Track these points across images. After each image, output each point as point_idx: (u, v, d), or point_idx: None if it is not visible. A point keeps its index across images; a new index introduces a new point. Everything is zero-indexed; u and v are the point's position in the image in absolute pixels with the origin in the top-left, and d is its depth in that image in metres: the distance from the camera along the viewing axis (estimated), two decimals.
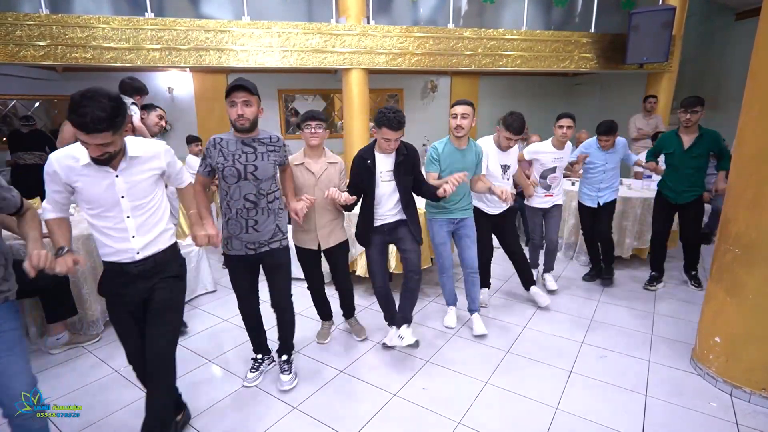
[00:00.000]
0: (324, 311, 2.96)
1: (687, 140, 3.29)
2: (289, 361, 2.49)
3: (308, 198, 2.39)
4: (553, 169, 3.41)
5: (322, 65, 5.35)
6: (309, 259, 2.68)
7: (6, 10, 4.40)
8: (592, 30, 6.05)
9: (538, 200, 3.50)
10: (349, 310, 2.99)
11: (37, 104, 6.78)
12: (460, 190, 2.81)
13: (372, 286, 2.73)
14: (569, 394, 2.36)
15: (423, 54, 5.61)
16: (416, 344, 2.59)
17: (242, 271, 2.30)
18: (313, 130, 2.46)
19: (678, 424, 2.12)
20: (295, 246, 2.64)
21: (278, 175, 2.29)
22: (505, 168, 3.11)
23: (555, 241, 3.67)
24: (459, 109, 2.74)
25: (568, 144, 3.44)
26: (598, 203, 3.56)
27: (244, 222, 2.15)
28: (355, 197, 2.46)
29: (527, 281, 3.43)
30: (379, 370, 2.61)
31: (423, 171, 2.76)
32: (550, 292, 3.61)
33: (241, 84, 1.98)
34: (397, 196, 2.58)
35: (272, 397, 2.36)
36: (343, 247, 2.73)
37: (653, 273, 3.71)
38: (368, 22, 5.43)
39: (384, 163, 2.53)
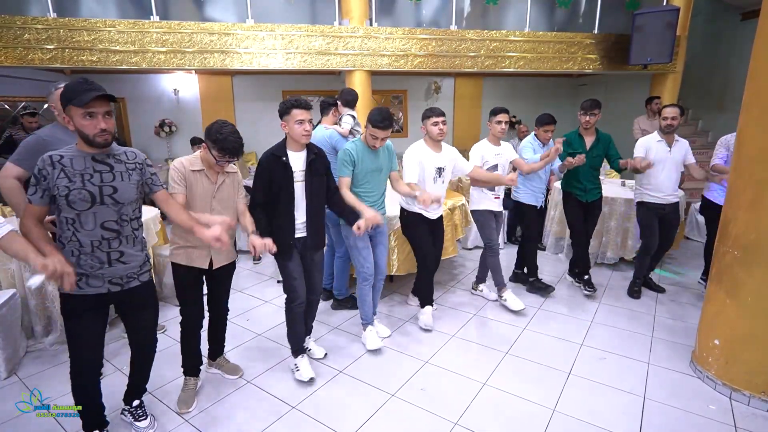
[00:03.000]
0: (194, 362, 2.39)
1: (588, 141, 3.42)
2: (142, 405, 2.16)
3: (224, 221, 2.00)
4: (495, 167, 3.27)
5: (325, 67, 5.38)
6: (194, 281, 2.25)
7: (14, 14, 4.48)
8: (596, 31, 6.03)
9: (488, 202, 3.31)
10: (220, 345, 2.58)
11: (45, 106, 6.88)
12: (377, 192, 2.76)
13: (287, 302, 2.49)
14: (567, 395, 2.36)
15: (426, 55, 5.62)
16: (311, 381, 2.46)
17: (94, 319, 1.82)
18: (224, 166, 2.15)
19: (676, 427, 2.11)
20: (176, 265, 2.21)
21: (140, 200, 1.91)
22: (439, 170, 2.94)
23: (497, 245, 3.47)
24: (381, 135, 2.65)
25: (507, 144, 3.40)
26: (541, 206, 3.56)
27: (106, 255, 1.76)
28: (275, 248, 2.18)
29: (425, 298, 3.14)
30: (377, 370, 2.62)
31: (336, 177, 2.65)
32: (517, 312, 3.31)
33: (101, 92, 1.63)
34: (306, 199, 2.39)
35: (271, 396, 2.38)
36: (232, 268, 2.40)
37: (586, 277, 3.62)
38: (371, 24, 5.46)
39: (297, 162, 2.35)
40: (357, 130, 3.47)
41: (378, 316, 3.11)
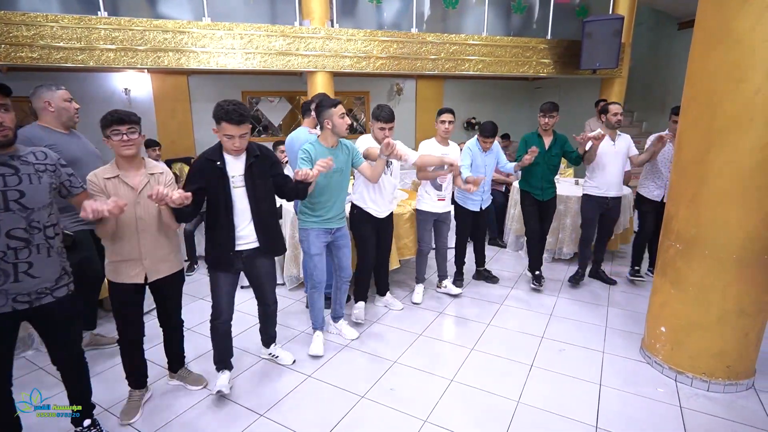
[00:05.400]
0: (139, 375, 2.27)
1: (547, 141, 3.57)
2: (96, 424, 2.02)
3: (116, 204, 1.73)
4: (441, 167, 3.25)
5: (286, 68, 5.31)
6: (128, 298, 2.08)
7: None
8: (549, 36, 6.30)
9: (430, 203, 3.38)
10: (179, 358, 2.46)
11: None
12: (337, 198, 2.67)
13: (211, 318, 2.35)
14: (530, 387, 2.45)
15: (387, 57, 5.66)
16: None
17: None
18: (125, 137, 1.88)
19: (629, 411, 2.25)
20: (109, 282, 2.07)
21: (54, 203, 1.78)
22: (387, 163, 2.95)
23: (446, 246, 3.61)
24: (342, 108, 2.58)
25: (454, 145, 3.45)
26: (481, 207, 3.65)
27: (12, 267, 1.61)
28: (190, 195, 1.93)
29: (360, 294, 3.25)
30: (346, 372, 2.62)
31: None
32: (455, 296, 3.62)
33: None
34: (251, 205, 2.21)
35: (237, 405, 2.33)
36: (178, 278, 2.22)
37: (537, 272, 3.78)
38: (332, 25, 5.44)
39: (234, 167, 2.17)
40: None
41: (344, 318, 3.10)
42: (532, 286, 3.77)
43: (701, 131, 2.32)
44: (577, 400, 2.33)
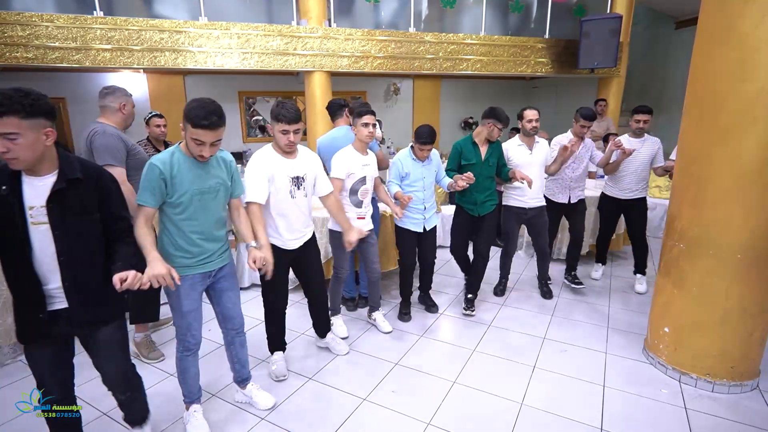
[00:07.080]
0: None
1: (483, 150, 3.18)
2: None
3: None
4: (363, 180, 2.76)
5: (283, 68, 5.27)
6: None
7: None
8: (547, 36, 6.30)
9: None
10: None
11: None
12: (214, 226, 1.95)
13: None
14: (533, 389, 2.44)
15: (385, 57, 5.64)
16: None
17: None
18: None
19: (633, 412, 2.24)
20: None
21: None
22: (297, 181, 2.36)
23: (377, 270, 3.00)
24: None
25: (372, 152, 2.91)
26: (424, 228, 3.08)
27: None
28: None
29: (323, 327, 2.80)
30: (348, 375, 2.59)
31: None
32: (386, 333, 3.05)
33: None
34: (58, 251, 1.49)
35: (237, 408, 2.30)
36: None
37: (469, 296, 3.36)
38: (330, 25, 5.41)
39: (35, 193, 1.45)
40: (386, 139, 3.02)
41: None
42: (464, 311, 3.31)
43: (704, 130, 2.31)
44: (580, 402, 2.32)
